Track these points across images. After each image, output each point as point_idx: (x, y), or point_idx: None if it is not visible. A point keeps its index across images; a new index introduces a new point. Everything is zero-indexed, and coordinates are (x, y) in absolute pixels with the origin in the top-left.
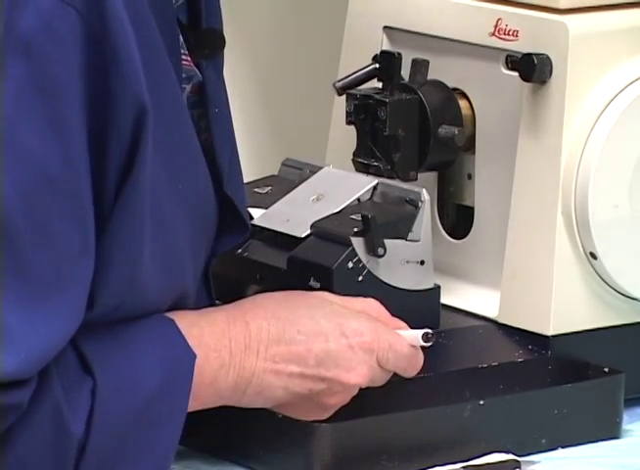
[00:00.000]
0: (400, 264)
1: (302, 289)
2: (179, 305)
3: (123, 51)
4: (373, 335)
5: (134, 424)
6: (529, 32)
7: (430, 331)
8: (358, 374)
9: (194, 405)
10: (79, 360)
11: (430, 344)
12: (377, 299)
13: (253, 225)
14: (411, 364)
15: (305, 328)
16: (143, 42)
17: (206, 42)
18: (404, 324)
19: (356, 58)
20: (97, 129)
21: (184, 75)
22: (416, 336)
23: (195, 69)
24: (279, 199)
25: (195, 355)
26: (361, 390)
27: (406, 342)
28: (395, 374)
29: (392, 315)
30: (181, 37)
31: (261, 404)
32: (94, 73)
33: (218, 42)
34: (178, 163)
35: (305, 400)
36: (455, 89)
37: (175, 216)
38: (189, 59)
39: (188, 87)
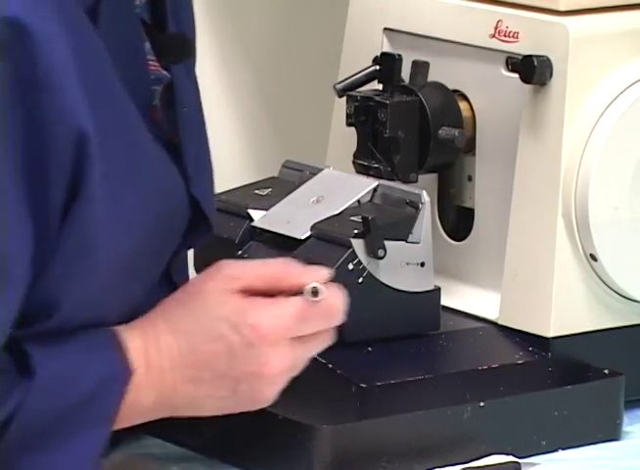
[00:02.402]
0: (400, 266)
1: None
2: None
3: (56, 79)
4: (269, 322)
5: (57, 423)
6: (530, 34)
7: (317, 285)
8: (272, 365)
9: (117, 425)
10: (19, 357)
11: (318, 298)
12: (377, 301)
13: (254, 227)
14: (324, 319)
15: (206, 336)
16: (83, 64)
17: (173, 47)
18: (312, 272)
19: (357, 60)
20: (35, 159)
21: (153, 77)
22: (307, 290)
23: (163, 71)
24: (279, 200)
25: (131, 372)
26: (362, 391)
27: (301, 304)
28: (395, 375)
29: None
30: (148, 43)
31: (200, 414)
32: (26, 104)
33: (186, 49)
34: (137, 176)
35: (241, 397)
36: (455, 91)
37: (131, 227)
38: (157, 63)
39: (159, 88)
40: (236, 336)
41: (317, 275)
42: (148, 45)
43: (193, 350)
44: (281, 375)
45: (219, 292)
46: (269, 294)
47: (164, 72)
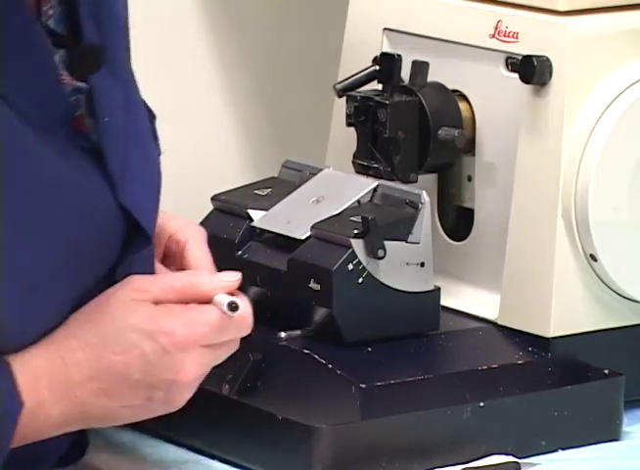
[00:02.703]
0: (400, 266)
1: (302, 291)
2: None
3: None
4: (184, 329)
5: None
6: (529, 34)
7: (235, 300)
8: (188, 371)
9: (23, 442)
10: None
11: (234, 314)
12: (377, 301)
13: (254, 227)
14: (237, 330)
15: (118, 347)
16: None
17: (83, 60)
18: (222, 281)
19: (356, 60)
20: None
21: (70, 89)
22: (222, 303)
23: (77, 83)
24: (279, 201)
25: (22, 404)
26: (362, 391)
27: (216, 314)
28: (395, 375)
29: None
30: (59, 55)
31: (115, 423)
32: None
33: (97, 60)
34: (45, 199)
35: (156, 404)
36: (455, 91)
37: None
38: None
39: (82, 96)
40: (149, 343)
41: (228, 283)
42: (58, 58)
43: (104, 362)
44: (194, 381)
45: (129, 302)
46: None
47: (80, 84)
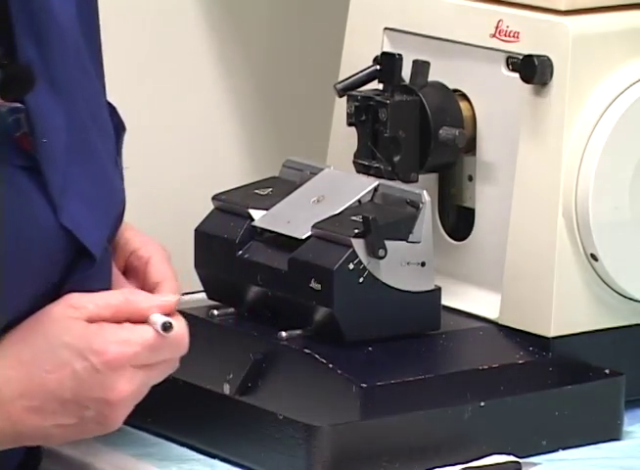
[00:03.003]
0: (401, 266)
1: (303, 290)
2: None
3: None
4: (116, 348)
5: None
6: (530, 34)
7: (169, 320)
8: (119, 391)
9: None
10: None
11: (168, 334)
12: (378, 300)
13: (254, 227)
14: (171, 350)
15: (50, 365)
16: None
17: (13, 82)
18: (159, 300)
19: (357, 59)
20: None
21: (5, 109)
22: (156, 323)
23: (12, 104)
24: (280, 200)
25: None
26: (362, 391)
27: (150, 334)
28: (395, 375)
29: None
30: None
31: (48, 443)
32: None
33: (28, 83)
34: None
35: (88, 424)
36: (456, 91)
37: None
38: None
39: (22, 115)
40: (80, 362)
41: (164, 302)
42: None
43: (35, 380)
44: (127, 400)
45: (62, 320)
46: (116, 322)
47: (16, 104)
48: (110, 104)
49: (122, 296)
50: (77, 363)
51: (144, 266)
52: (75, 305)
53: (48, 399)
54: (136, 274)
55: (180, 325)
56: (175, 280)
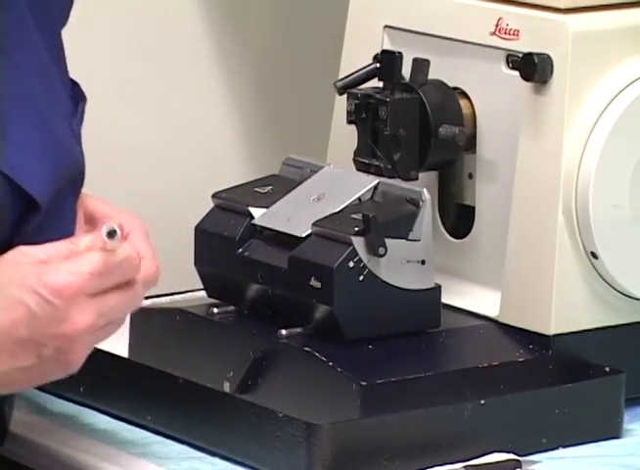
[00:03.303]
0: (401, 264)
1: (303, 288)
2: None
3: None
4: (66, 278)
5: None
6: (530, 32)
7: (114, 228)
8: (75, 322)
9: None
10: None
11: (115, 241)
12: (378, 298)
13: (254, 225)
14: (123, 272)
15: (1, 304)
16: None
17: None
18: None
19: (357, 57)
20: None
21: None
22: (97, 236)
23: None
24: (280, 198)
25: None
26: (362, 389)
27: (98, 258)
28: (396, 373)
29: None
30: None
31: (11, 389)
32: None
33: None
34: None
35: (48, 363)
36: (456, 88)
37: None
38: None
39: None
40: (32, 296)
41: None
42: None
43: None
44: (84, 333)
45: (13, 263)
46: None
47: None
48: (72, 80)
49: (71, 240)
50: (29, 299)
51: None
52: (26, 253)
53: (3, 340)
54: None
55: (128, 248)
56: (154, 259)
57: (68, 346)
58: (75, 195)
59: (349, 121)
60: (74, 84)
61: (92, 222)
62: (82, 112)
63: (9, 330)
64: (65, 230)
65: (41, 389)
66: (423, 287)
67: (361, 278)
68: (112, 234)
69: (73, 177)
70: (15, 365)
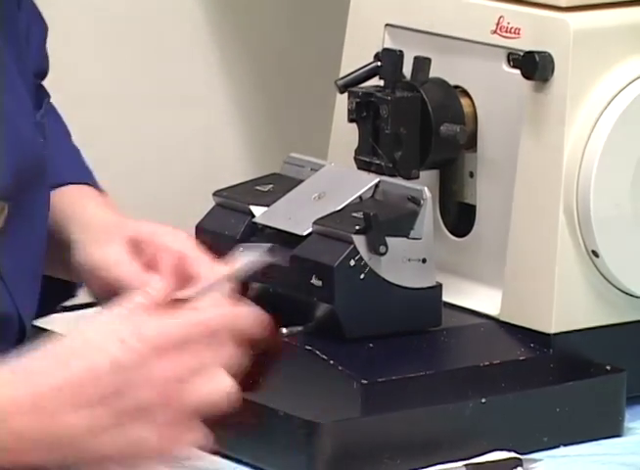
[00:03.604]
0: (402, 262)
1: (304, 287)
2: None
3: None
4: (153, 329)
5: None
6: (531, 30)
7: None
8: (161, 369)
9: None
10: None
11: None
12: (379, 297)
13: (255, 223)
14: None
15: (88, 354)
16: None
17: None
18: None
19: (358, 56)
20: None
21: None
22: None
23: None
24: (281, 197)
25: None
26: (363, 387)
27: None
28: (397, 371)
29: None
30: None
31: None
32: None
33: None
34: None
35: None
36: (457, 87)
37: None
38: None
39: None
40: (117, 344)
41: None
42: None
43: (72, 374)
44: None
45: (97, 323)
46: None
47: None
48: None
49: (184, 328)
50: (113, 346)
51: (178, 261)
52: (108, 312)
53: (88, 391)
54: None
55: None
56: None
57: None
58: (46, 190)
59: (350, 120)
60: (40, 84)
61: (138, 246)
62: (47, 106)
63: (94, 382)
64: (39, 226)
65: None
66: (424, 285)
67: (362, 277)
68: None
69: (36, 168)
70: (100, 423)
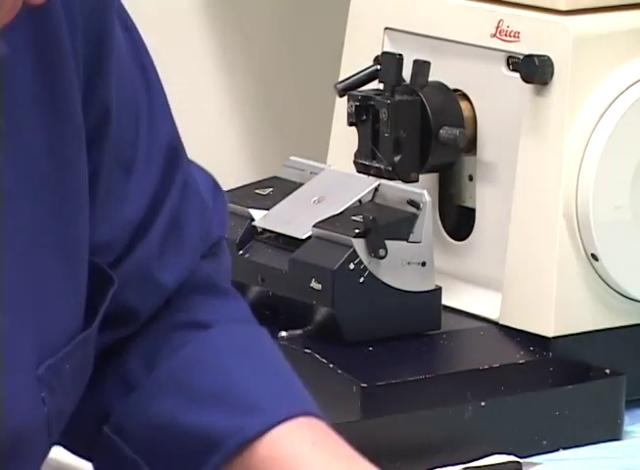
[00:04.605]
0: (401, 266)
1: (304, 290)
2: None
3: None
4: None
5: None
6: (531, 34)
7: None
8: None
9: None
10: None
11: None
12: (378, 300)
13: (255, 227)
14: None
15: None
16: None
17: None
18: None
19: (357, 59)
20: None
21: None
22: None
23: None
24: (280, 200)
25: None
26: (363, 391)
27: None
28: (396, 375)
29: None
30: None
31: None
32: None
33: None
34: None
35: None
36: (456, 90)
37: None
38: None
39: None
40: None
41: None
42: None
43: None
44: None
45: None
46: None
47: None
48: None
49: None
50: None
51: None
52: None
53: None
54: None
55: None
56: None
57: None
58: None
59: (350, 123)
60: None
61: None
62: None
63: None
64: None
65: None
66: (423, 289)
67: (362, 280)
68: None
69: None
70: None
